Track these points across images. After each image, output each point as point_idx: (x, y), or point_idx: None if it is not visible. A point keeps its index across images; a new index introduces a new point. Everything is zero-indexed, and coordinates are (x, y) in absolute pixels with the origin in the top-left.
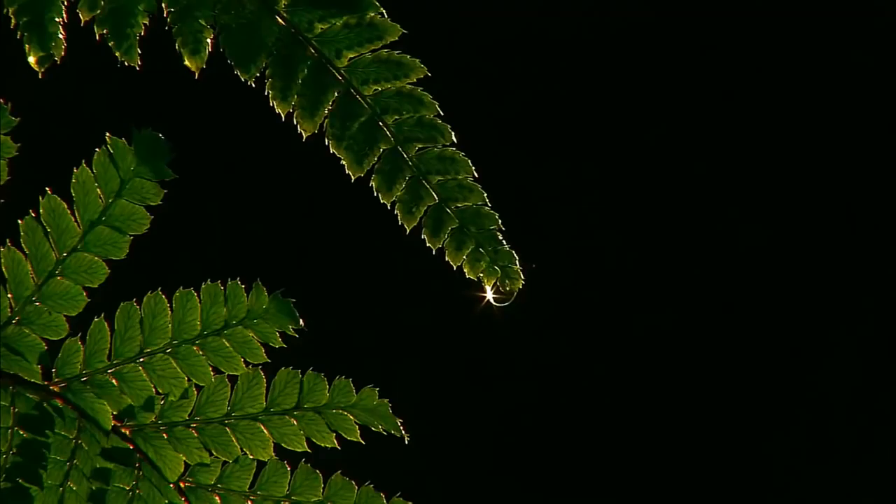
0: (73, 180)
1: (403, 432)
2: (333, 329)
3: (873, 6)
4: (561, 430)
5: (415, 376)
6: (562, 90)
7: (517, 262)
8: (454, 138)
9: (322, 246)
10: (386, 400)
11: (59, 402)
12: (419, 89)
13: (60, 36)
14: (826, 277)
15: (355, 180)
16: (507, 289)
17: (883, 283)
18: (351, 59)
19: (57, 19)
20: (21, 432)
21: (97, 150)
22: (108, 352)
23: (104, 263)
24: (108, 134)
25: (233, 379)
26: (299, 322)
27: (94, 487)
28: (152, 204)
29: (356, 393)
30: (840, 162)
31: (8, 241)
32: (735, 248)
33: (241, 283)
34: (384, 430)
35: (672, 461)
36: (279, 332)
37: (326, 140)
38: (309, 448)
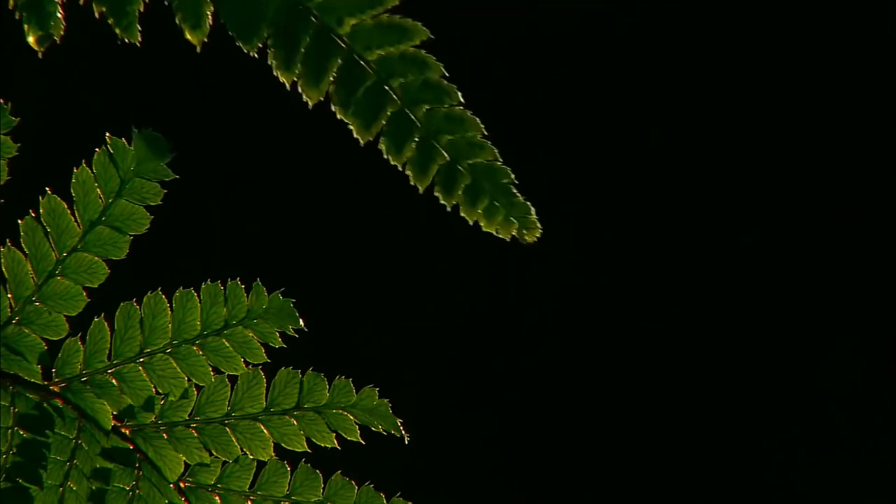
0: (73, 180)
1: (403, 432)
2: (333, 329)
3: (873, 6)
4: (561, 431)
5: (415, 376)
6: (562, 90)
7: (533, 213)
8: (461, 98)
9: (322, 246)
10: (386, 400)
11: (59, 402)
12: (423, 52)
13: (59, 15)
14: (825, 277)
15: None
16: (526, 240)
17: (883, 283)
18: (353, 25)
19: None
20: (21, 432)
21: (97, 150)
22: (108, 352)
23: (104, 263)
24: (108, 134)
25: (233, 379)
26: (299, 322)
27: (94, 487)
28: (152, 204)
29: (356, 393)
30: (839, 161)
31: (8, 241)
32: (735, 247)
33: (241, 283)
34: (384, 430)
35: (672, 460)
36: (279, 332)
37: (332, 107)
38: (309, 448)
